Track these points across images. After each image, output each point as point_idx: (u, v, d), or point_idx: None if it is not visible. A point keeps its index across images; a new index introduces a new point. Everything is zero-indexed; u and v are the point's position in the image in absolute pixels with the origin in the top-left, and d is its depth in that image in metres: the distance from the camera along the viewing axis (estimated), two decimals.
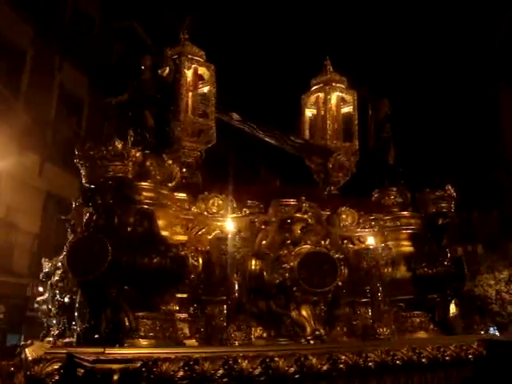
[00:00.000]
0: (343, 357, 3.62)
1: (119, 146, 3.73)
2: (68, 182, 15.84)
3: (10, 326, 15.54)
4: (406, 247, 5.20)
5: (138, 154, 3.92)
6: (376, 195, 5.60)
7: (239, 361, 3.25)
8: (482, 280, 27.37)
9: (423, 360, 4.13)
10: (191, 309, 4.12)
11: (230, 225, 4.02)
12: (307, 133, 6.11)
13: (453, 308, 5.24)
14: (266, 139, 6.00)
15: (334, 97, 5.86)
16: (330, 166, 5.49)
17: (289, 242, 4.06)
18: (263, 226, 4.30)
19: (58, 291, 5.01)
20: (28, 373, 2.97)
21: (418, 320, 4.91)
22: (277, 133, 5.72)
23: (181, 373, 3.14)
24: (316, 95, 5.98)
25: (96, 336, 3.51)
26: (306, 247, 4.00)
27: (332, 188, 5.75)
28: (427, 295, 4.99)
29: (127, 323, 3.56)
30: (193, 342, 3.91)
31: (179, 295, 4.07)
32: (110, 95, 4.91)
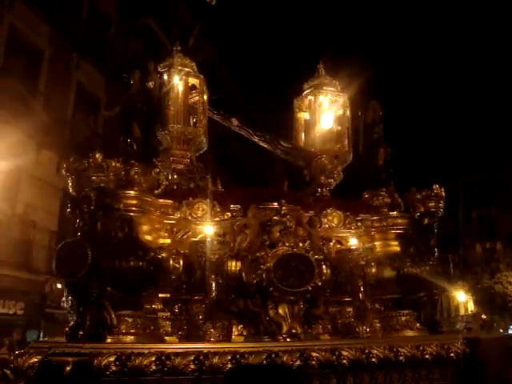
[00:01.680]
0: (315, 354, 3.85)
1: (99, 158, 4.12)
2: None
3: (29, 322, 16.01)
4: (394, 247, 5.39)
5: (117, 165, 4.29)
6: (366, 196, 5.77)
7: (209, 356, 3.52)
8: (502, 277, 27.11)
9: (401, 358, 4.31)
10: (173, 308, 4.41)
11: (208, 228, 4.30)
12: (302, 136, 6.30)
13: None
14: (261, 143, 6.26)
15: (325, 100, 6.03)
16: (312, 168, 5.69)
17: (267, 243, 4.33)
18: (243, 229, 4.51)
19: None
20: (11, 365, 3.30)
21: (404, 319, 5.06)
22: (268, 137, 5.97)
23: (153, 367, 3.42)
24: (308, 99, 6.16)
25: (81, 333, 3.91)
26: (283, 249, 4.26)
27: (324, 190, 5.93)
28: (413, 294, 5.16)
29: (109, 321, 3.92)
30: (173, 338, 4.20)
31: (162, 295, 4.38)
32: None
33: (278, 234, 4.37)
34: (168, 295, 4.42)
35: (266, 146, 6.22)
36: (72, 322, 4.16)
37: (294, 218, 4.55)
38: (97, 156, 4.14)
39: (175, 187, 5.30)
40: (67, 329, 4.16)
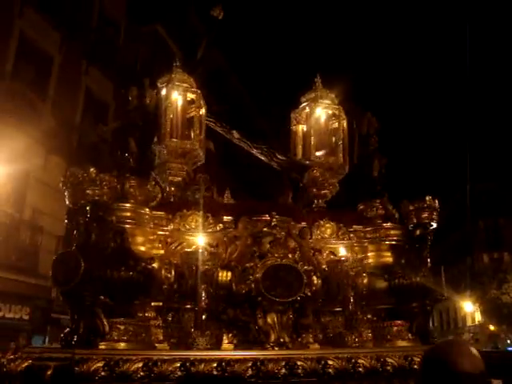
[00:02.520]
0: (300, 363, 3.98)
1: (93, 173, 4.37)
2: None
3: (34, 327, 16.20)
4: (387, 258, 5.51)
5: (110, 179, 4.55)
6: (361, 207, 5.89)
7: (196, 363, 3.67)
8: (509, 288, 27.28)
9: (388, 368, 4.42)
10: (165, 316, 4.61)
11: (200, 239, 4.48)
12: (299, 148, 6.43)
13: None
14: (258, 155, 6.43)
15: (321, 113, 6.17)
16: (305, 181, 5.83)
17: (256, 254, 4.50)
18: (234, 241, 4.68)
19: None
20: (4, 369, 3.48)
21: (395, 329, 5.17)
22: (265, 150, 6.13)
23: (141, 373, 3.59)
24: (305, 111, 6.30)
25: (75, 339, 4.10)
26: (272, 260, 4.42)
27: (320, 201, 6.06)
28: (405, 305, 5.28)
29: (101, 328, 4.11)
30: (165, 345, 4.35)
31: (155, 303, 4.59)
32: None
33: (267, 245, 4.54)
34: (160, 304, 4.61)
35: (263, 159, 6.38)
36: (67, 329, 4.36)
37: (284, 229, 4.70)
38: (91, 171, 4.38)
39: (172, 199, 5.49)
40: (62, 335, 4.36)
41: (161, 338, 4.50)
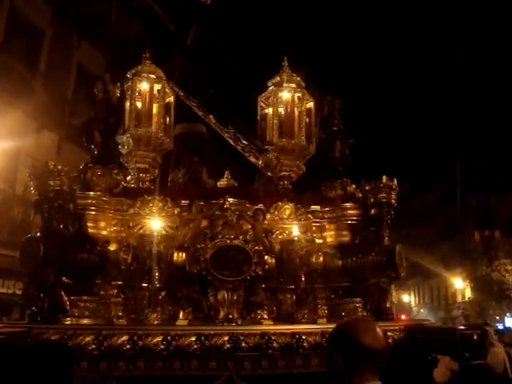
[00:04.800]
0: (243, 338, 4.33)
1: (51, 165, 4.95)
2: (86, 160, 16.72)
3: (28, 302, 16.51)
4: (343, 237, 5.82)
5: (68, 170, 5.11)
6: (323, 188, 6.13)
7: (143, 337, 4.02)
8: (500, 265, 27.79)
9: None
10: (125, 294, 5.01)
11: (155, 223, 4.88)
12: (266, 133, 6.64)
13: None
14: (229, 141, 6.73)
15: (285, 96, 6.38)
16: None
17: (208, 236, 4.86)
18: (188, 223, 5.02)
19: None
20: None
21: (351, 306, 5.48)
22: (232, 134, 6.41)
23: (92, 345, 3.96)
24: (271, 95, 6.51)
25: (39, 316, 4.66)
26: (222, 241, 4.78)
27: (285, 183, 6.29)
28: (361, 283, 5.59)
29: (63, 306, 4.65)
30: (123, 321, 4.73)
31: (115, 283, 5.01)
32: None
33: (219, 227, 4.84)
34: (120, 283, 5.02)
35: (231, 143, 6.66)
36: (33, 308, 4.93)
37: (237, 211, 4.99)
38: (49, 163, 4.98)
39: (141, 185, 5.88)
40: (29, 313, 4.80)
41: (120, 314, 4.88)
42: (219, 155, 7.58)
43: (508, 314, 28.78)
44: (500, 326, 22.17)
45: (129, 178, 5.89)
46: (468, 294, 39.36)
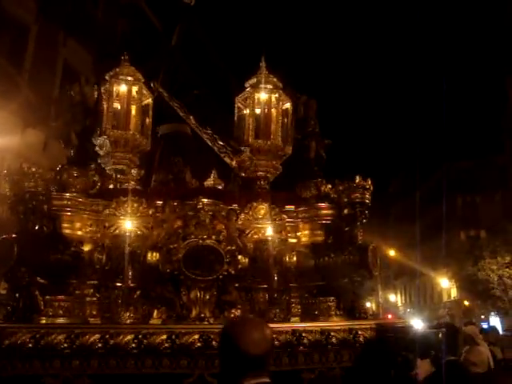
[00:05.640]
0: (214, 336, 4.42)
1: (25, 167, 5.07)
2: None
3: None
4: (317, 237, 5.93)
5: (42, 172, 5.21)
6: (298, 188, 6.25)
7: (114, 335, 4.13)
8: (485, 265, 28.07)
9: (305, 342, 4.84)
10: (99, 293, 5.13)
11: (128, 223, 4.98)
12: (243, 134, 6.74)
13: None
14: (208, 142, 6.82)
15: (262, 97, 6.48)
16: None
17: (181, 236, 4.97)
18: (162, 224, 5.14)
19: None
20: None
21: (324, 305, 5.59)
22: (210, 135, 6.52)
23: (64, 344, 4.06)
24: (248, 96, 6.61)
25: (14, 316, 4.79)
26: (194, 241, 4.88)
27: (262, 183, 6.40)
28: (334, 282, 5.71)
29: (37, 306, 4.75)
30: (97, 320, 4.82)
31: (90, 282, 5.10)
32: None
33: (192, 227, 4.95)
34: (96, 282, 5.12)
35: (209, 144, 6.76)
36: (8, 307, 4.98)
37: (210, 212, 5.10)
38: (23, 165, 5.10)
39: (118, 186, 5.97)
40: (5, 312, 4.88)
41: (95, 313, 4.99)
42: (204, 156, 7.67)
43: (493, 313, 29.20)
44: (485, 325, 22.44)
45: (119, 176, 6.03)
46: (454, 293, 39.93)
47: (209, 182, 7.00)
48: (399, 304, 55.22)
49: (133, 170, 6.48)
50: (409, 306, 53.89)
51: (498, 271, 25.10)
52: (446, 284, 38.25)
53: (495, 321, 28.19)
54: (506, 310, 25.98)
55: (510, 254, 24.96)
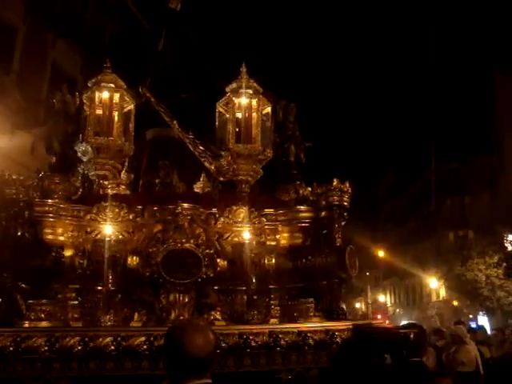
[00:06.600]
0: None
1: (5, 175, 5.25)
2: None
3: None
4: (296, 240, 6.06)
5: (22, 179, 5.37)
6: (277, 191, 6.38)
7: (94, 338, 4.27)
8: (473, 265, 28.34)
9: (282, 343, 4.97)
10: (82, 297, 5.25)
11: (108, 228, 5.13)
12: (225, 138, 6.87)
13: None
14: (189, 146, 6.94)
15: (242, 102, 6.61)
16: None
17: (160, 240, 5.08)
18: (141, 228, 5.28)
19: None
20: None
21: (303, 307, 5.74)
22: (192, 140, 6.65)
23: (45, 347, 4.19)
24: (228, 101, 6.75)
25: None
26: (172, 245, 5.03)
27: (244, 186, 6.52)
28: (312, 284, 5.85)
29: (19, 310, 4.93)
30: (79, 323, 4.93)
31: (72, 286, 5.26)
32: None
33: (171, 231, 5.09)
34: (77, 286, 5.26)
35: (191, 148, 6.88)
36: None
37: (189, 216, 5.25)
38: (4, 174, 5.29)
39: (101, 192, 6.08)
40: None
41: (77, 316, 5.13)
42: (192, 160, 7.78)
43: (481, 313, 29.52)
44: (473, 325, 22.68)
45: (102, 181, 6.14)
46: (442, 293, 40.27)
47: (198, 186, 7.14)
48: (388, 304, 55.50)
49: (123, 175, 6.64)
50: (398, 306, 54.21)
51: (485, 271, 25.38)
52: (434, 284, 38.57)
53: (483, 320, 28.50)
54: (494, 310, 26.27)
55: (497, 254, 25.28)
